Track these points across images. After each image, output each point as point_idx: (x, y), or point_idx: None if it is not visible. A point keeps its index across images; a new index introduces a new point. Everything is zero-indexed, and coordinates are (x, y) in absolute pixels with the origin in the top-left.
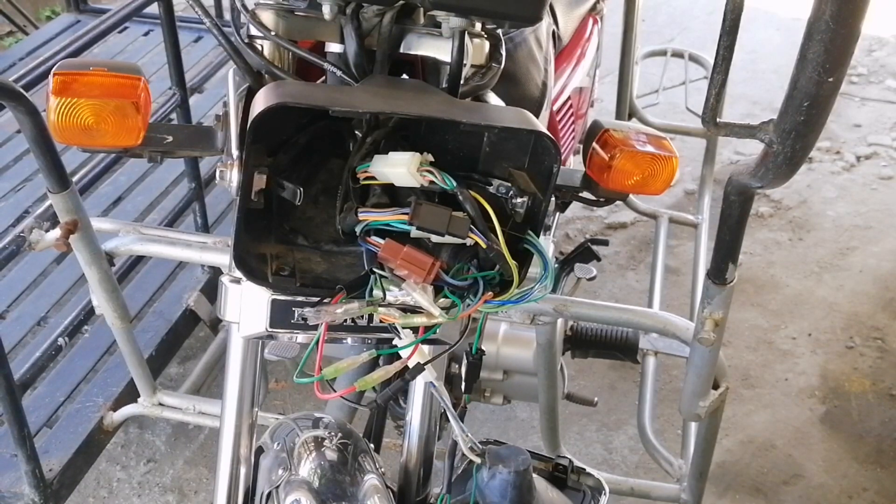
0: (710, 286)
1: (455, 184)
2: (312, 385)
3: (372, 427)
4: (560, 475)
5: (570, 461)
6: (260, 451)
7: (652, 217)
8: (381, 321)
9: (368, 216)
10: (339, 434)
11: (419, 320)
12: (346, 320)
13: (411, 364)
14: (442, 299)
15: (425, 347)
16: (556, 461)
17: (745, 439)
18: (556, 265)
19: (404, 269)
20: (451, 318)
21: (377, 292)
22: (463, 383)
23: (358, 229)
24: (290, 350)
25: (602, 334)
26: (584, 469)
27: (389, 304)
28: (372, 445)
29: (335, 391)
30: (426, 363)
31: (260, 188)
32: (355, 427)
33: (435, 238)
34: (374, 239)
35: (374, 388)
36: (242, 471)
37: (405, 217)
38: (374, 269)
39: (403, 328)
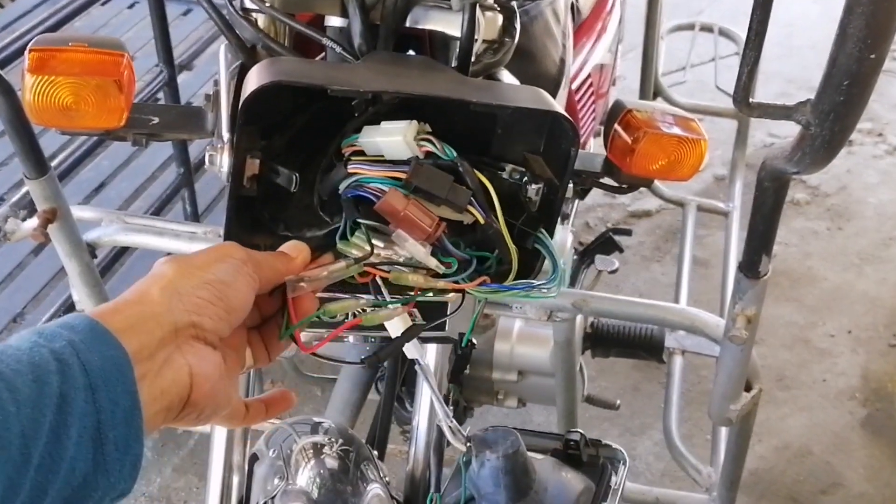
0: (742, 280)
1: (455, 154)
2: (313, 391)
3: (375, 432)
4: (574, 452)
5: (582, 435)
6: (254, 458)
7: (679, 205)
8: (366, 274)
9: (360, 168)
10: (340, 440)
11: (414, 277)
12: None
13: (395, 331)
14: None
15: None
16: (567, 437)
17: (780, 445)
18: (575, 257)
19: (406, 223)
20: (449, 273)
21: (360, 244)
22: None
23: (345, 184)
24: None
25: (625, 332)
26: (599, 441)
27: (378, 263)
28: (375, 452)
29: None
30: (431, 326)
31: (253, 173)
32: (357, 432)
33: (431, 207)
34: (375, 185)
35: (377, 389)
36: (235, 480)
37: (402, 175)
38: (361, 220)
39: (395, 285)
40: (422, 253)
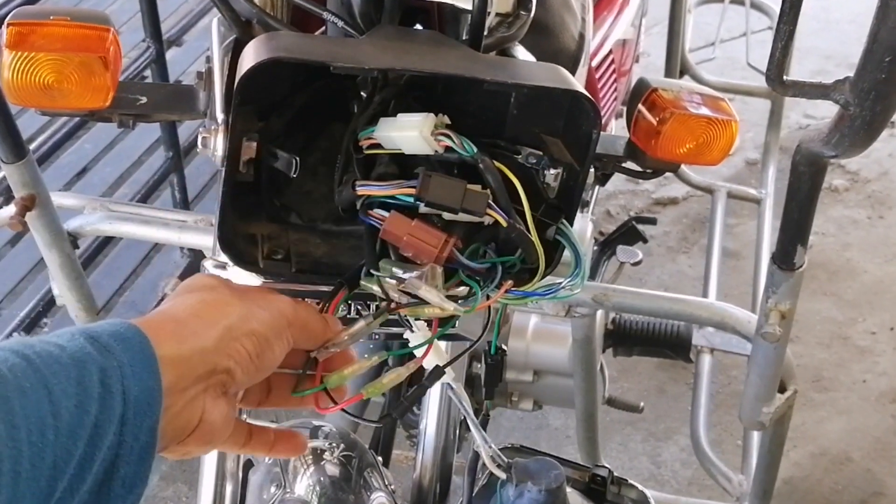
0: (776, 272)
1: (476, 150)
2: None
3: (380, 437)
4: (598, 487)
5: (610, 471)
6: (249, 464)
7: (707, 191)
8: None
9: (368, 190)
10: (342, 445)
11: (430, 311)
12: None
13: (428, 365)
14: (452, 288)
15: (443, 344)
16: (594, 471)
17: (817, 451)
18: (596, 248)
19: (412, 247)
20: (467, 311)
21: (372, 287)
22: (483, 387)
23: (359, 203)
24: None
25: (649, 329)
26: (626, 480)
27: (398, 307)
28: (380, 458)
29: (336, 403)
30: (446, 365)
31: (249, 157)
32: (360, 437)
33: (447, 215)
34: (378, 212)
35: (382, 394)
36: (229, 488)
37: (412, 191)
38: (374, 273)
39: (415, 319)
40: (437, 299)
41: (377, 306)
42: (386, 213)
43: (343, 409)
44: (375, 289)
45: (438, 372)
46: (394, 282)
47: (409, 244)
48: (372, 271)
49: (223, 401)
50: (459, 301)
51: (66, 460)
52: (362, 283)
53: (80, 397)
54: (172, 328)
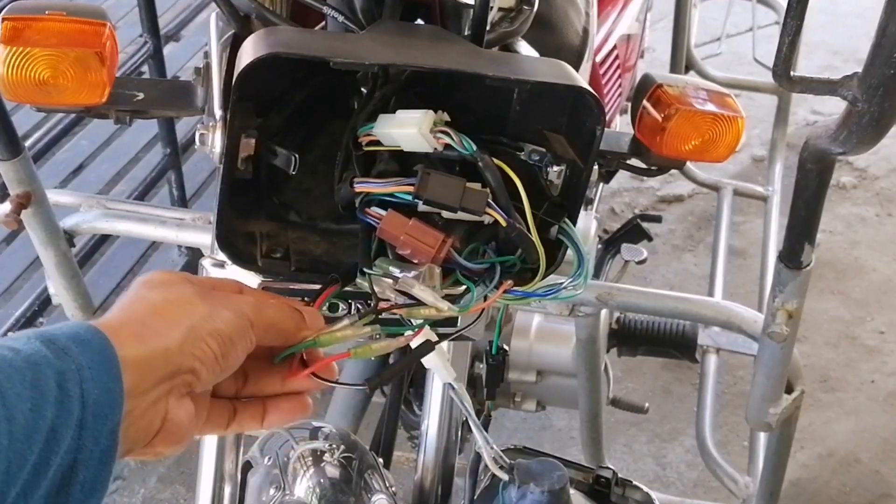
0: (783, 271)
1: (475, 148)
2: (312, 393)
3: (381, 438)
4: (602, 489)
5: (614, 472)
6: (248, 466)
7: (713, 189)
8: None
9: (366, 187)
10: (342, 446)
11: (426, 312)
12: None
13: (416, 344)
14: (450, 288)
15: (444, 344)
16: (597, 473)
17: (824, 452)
18: (600, 246)
19: (409, 247)
20: (461, 310)
21: (365, 285)
22: (485, 388)
23: (357, 201)
24: None
25: (654, 328)
26: (630, 481)
27: (390, 308)
28: (381, 460)
29: (317, 375)
30: (437, 342)
31: (248, 154)
32: (361, 438)
33: (446, 214)
34: (375, 210)
35: (382, 391)
36: (227, 490)
37: (410, 188)
38: (367, 271)
39: (409, 320)
40: (431, 297)
41: (367, 304)
42: (383, 212)
43: (314, 374)
44: (368, 287)
45: (429, 345)
46: (390, 281)
47: (406, 243)
48: (365, 269)
49: (188, 400)
50: (457, 301)
51: (20, 465)
52: (357, 281)
53: (35, 401)
54: (134, 329)
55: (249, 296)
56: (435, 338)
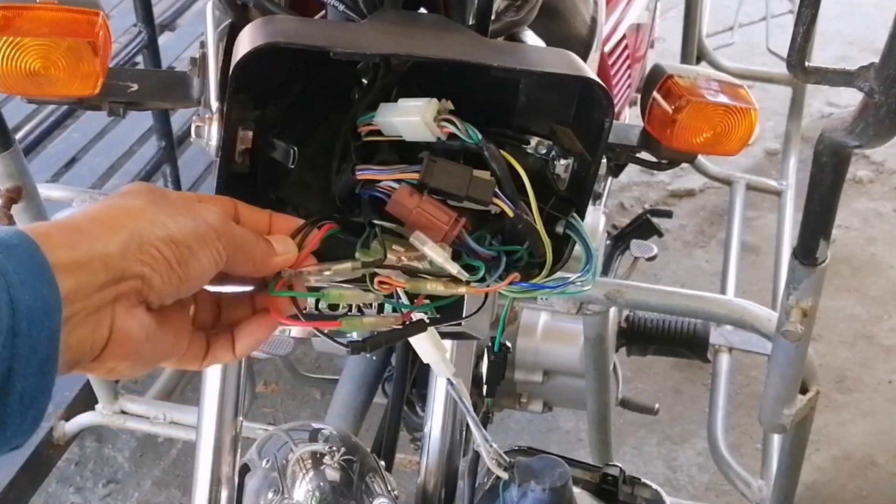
0: (797, 268)
1: (480, 136)
2: (312, 394)
3: (382, 440)
4: (609, 487)
5: (621, 470)
6: (245, 469)
7: (726, 183)
8: (378, 288)
9: (368, 174)
10: (343, 448)
11: (432, 286)
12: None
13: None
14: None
15: (447, 343)
16: (605, 471)
17: (840, 455)
18: (609, 242)
19: (420, 223)
20: (473, 279)
21: (374, 247)
22: (485, 384)
23: (358, 189)
24: (282, 346)
25: (664, 327)
26: (639, 479)
27: (391, 267)
28: (382, 462)
29: (305, 320)
30: (431, 323)
31: (245, 147)
32: (362, 440)
33: (451, 202)
34: (386, 184)
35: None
36: (224, 493)
37: (415, 176)
38: (375, 221)
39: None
40: (441, 257)
41: (367, 262)
42: (396, 185)
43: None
44: (377, 253)
45: (421, 324)
46: (396, 253)
47: (418, 219)
48: (374, 222)
49: (142, 311)
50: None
51: None
52: (359, 254)
53: None
54: (67, 234)
55: (215, 205)
56: (444, 349)
